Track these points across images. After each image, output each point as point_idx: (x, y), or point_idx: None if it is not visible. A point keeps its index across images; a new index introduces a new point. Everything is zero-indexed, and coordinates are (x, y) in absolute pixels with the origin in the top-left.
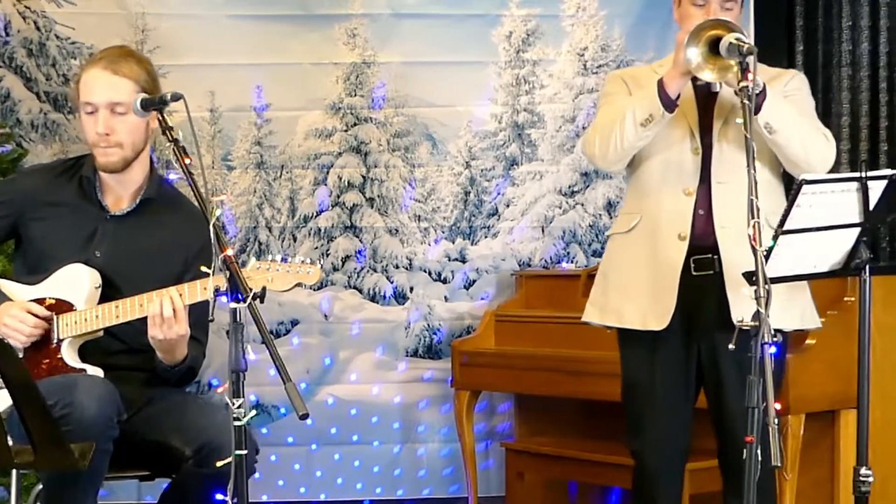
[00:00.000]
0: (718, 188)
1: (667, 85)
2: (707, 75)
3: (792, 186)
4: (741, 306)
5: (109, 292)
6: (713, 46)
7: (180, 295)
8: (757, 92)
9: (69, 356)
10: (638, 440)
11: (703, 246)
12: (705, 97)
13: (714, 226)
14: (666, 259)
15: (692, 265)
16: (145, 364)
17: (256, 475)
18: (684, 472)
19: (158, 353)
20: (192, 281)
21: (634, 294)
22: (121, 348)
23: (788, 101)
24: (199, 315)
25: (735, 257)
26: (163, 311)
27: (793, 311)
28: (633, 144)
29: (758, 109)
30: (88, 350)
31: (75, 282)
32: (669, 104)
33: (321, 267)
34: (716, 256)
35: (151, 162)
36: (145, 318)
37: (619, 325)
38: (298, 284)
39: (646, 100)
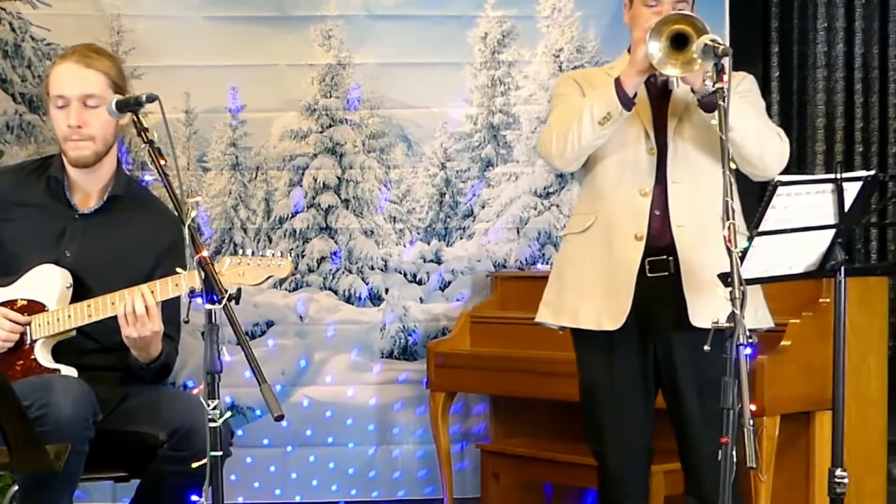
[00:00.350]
0: (674, 188)
1: (624, 83)
2: (670, 70)
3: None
4: (699, 308)
5: (81, 292)
6: (675, 41)
7: (152, 292)
8: (712, 90)
9: (43, 357)
10: (599, 441)
11: (658, 246)
12: (659, 97)
13: (671, 225)
14: (622, 259)
15: (647, 267)
16: (119, 363)
17: (233, 477)
18: (649, 470)
19: (133, 352)
20: (164, 277)
21: (589, 294)
22: (94, 347)
23: (743, 101)
24: (171, 312)
25: (692, 258)
26: (135, 309)
27: (747, 310)
28: (591, 143)
29: (714, 106)
30: (62, 350)
31: (46, 282)
32: (627, 102)
33: (292, 260)
34: (671, 258)
35: (118, 159)
36: (117, 317)
37: (574, 325)
38: (270, 277)
39: (603, 98)
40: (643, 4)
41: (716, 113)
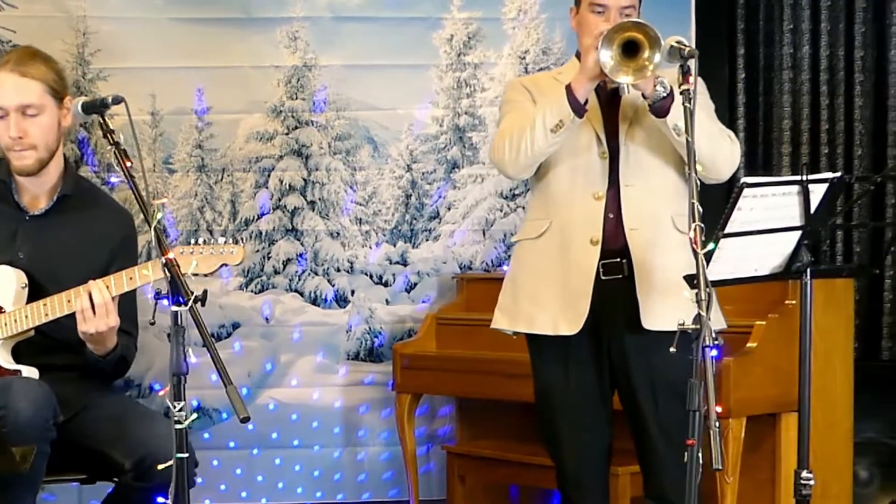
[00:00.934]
0: (627, 191)
1: (575, 90)
2: (623, 78)
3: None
4: (651, 311)
5: (36, 291)
6: (626, 49)
7: (107, 287)
8: (664, 94)
9: (2, 358)
10: (555, 445)
11: (612, 250)
12: (609, 102)
13: (624, 229)
14: (578, 264)
15: (601, 270)
16: (81, 360)
17: (199, 479)
18: (608, 471)
19: (89, 345)
20: (118, 272)
21: (545, 300)
22: (55, 346)
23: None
24: (127, 307)
25: (645, 261)
26: (93, 304)
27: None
28: (544, 150)
29: (665, 111)
30: (23, 351)
31: (1, 284)
32: (579, 109)
33: (243, 249)
34: (625, 260)
35: (66, 159)
36: (75, 314)
37: (530, 330)
38: (224, 265)
39: (555, 105)
40: (590, 11)
41: (668, 118)
